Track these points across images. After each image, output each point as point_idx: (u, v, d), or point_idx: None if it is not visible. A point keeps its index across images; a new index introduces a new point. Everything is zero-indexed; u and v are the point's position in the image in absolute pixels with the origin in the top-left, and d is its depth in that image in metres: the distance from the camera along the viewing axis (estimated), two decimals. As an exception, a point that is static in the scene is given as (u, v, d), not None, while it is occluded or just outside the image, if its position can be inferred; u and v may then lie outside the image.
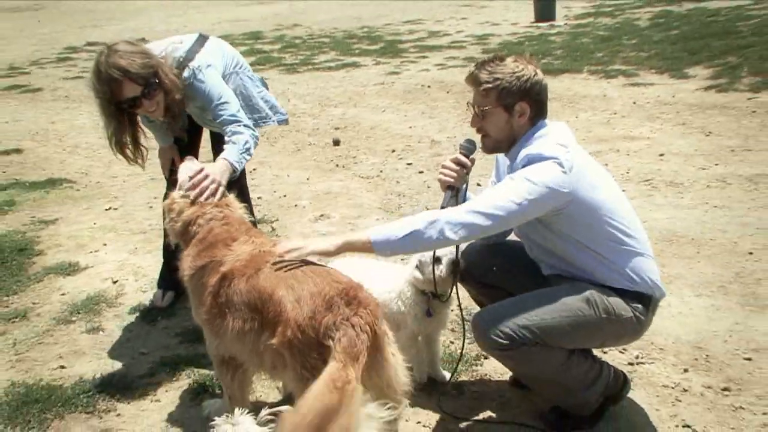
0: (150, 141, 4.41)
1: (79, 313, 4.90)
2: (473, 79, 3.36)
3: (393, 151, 8.54)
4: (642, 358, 4.01)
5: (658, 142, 7.92)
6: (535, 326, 3.17)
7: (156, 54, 3.89)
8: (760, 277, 4.81)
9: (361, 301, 2.81)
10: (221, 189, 3.58)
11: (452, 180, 3.43)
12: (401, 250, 3.16)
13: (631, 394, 3.62)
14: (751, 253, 5.17)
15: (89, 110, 11.82)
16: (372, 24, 22.37)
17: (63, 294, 5.22)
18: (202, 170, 3.58)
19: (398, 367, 2.91)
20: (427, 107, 10.69)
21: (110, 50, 3.71)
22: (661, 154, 7.50)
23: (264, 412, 2.61)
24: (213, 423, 2.64)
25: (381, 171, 7.80)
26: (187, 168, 3.64)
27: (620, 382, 3.50)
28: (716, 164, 7.12)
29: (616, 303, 3.26)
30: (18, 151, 9.61)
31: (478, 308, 3.89)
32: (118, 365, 4.25)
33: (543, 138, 3.27)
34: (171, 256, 4.57)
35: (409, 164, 7.96)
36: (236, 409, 2.64)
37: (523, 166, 3.19)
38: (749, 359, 3.96)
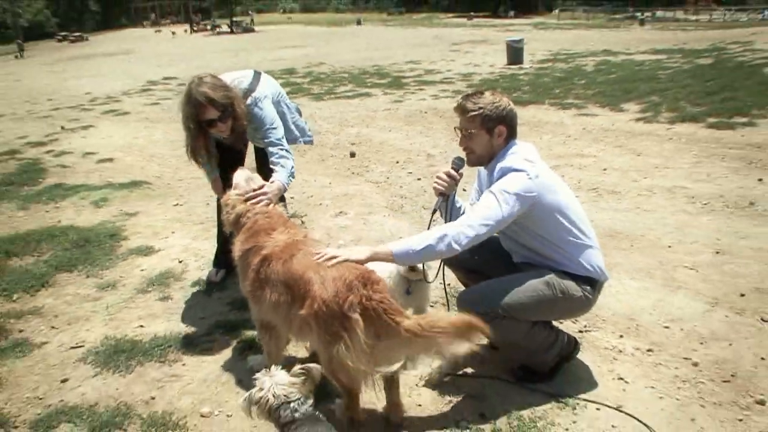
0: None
1: (153, 285, 4.85)
2: (461, 109, 3.33)
3: (397, 162, 8.44)
4: (588, 327, 3.94)
5: (602, 160, 7.83)
6: (506, 304, 3.14)
7: (233, 89, 3.86)
8: (676, 265, 4.74)
9: (375, 281, 2.79)
10: (270, 204, 3.54)
11: (443, 188, 3.41)
12: (417, 260, 3.15)
13: (580, 355, 3.56)
14: (669, 246, 5.10)
15: (163, 129, 11.89)
16: (381, 64, 22.21)
17: (142, 270, 5.16)
18: (262, 186, 3.56)
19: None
20: (424, 128, 10.57)
21: (200, 81, 3.72)
22: (605, 169, 7.41)
23: (296, 368, 2.58)
24: (255, 376, 2.60)
25: (387, 177, 7.71)
26: (241, 174, 3.61)
27: (572, 345, 3.47)
28: (645, 178, 7.04)
29: (570, 285, 3.22)
30: (111, 160, 9.53)
31: (463, 288, 3.85)
32: (183, 326, 4.20)
33: (514, 155, 3.24)
34: (225, 241, 4.52)
35: (409, 173, 7.86)
36: (273, 366, 2.61)
37: (498, 178, 3.17)
38: (667, 327, 3.91)
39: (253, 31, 50.62)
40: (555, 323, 3.49)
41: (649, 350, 3.67)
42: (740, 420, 3.04)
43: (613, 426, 3.03)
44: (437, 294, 4.33)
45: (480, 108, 3.24)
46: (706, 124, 9.34)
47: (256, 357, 3.64)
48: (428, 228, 3.29)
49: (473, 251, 3.53)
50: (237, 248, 3.32)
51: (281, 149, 4.01)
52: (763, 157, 7.57)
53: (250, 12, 59.89)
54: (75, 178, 8.47)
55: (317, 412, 2.51)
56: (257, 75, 4.29)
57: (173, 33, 51.15)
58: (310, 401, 2.51)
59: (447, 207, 3.46)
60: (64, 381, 3.62)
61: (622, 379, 3.41)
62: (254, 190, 3.52)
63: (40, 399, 3.47)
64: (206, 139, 3.92)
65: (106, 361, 3.75)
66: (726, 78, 13.10)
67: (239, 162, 4.40)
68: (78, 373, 3.69)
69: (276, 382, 2.50)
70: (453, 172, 3.41)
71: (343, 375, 2.76)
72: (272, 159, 3.98)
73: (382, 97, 14.18)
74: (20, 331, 4.27)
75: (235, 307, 4.42)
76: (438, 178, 3.42)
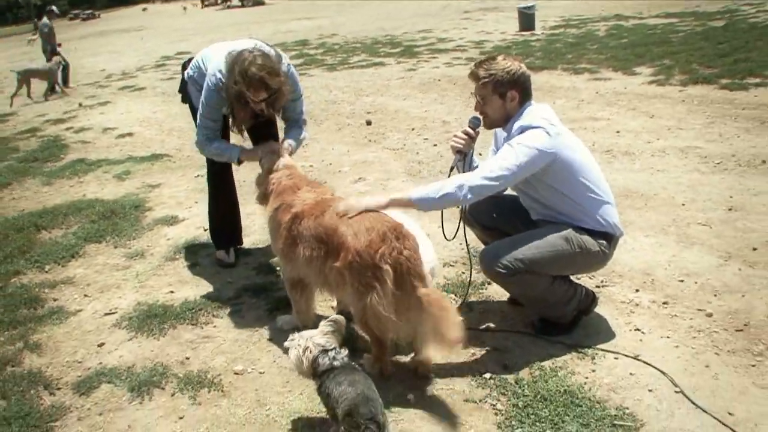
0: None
1: (180, 253, 4.98)
2: (474, 75, 3.40)
3: (413, 129, 8.47)
4: (605, 282, 4.02)
5: (615, 122, 7.83)
6: (527, 259, 3.22)
7: (281, 70, 3.76)
8: (689, 222, 4.80)
9: (406, 235, 2.90)
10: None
11: (461, 146, 3.49)
12: (435, 207, 3.22)
13: (597, 309, 3.64)
14: (683, 205, 5.15)
15: (180, 103, 11.92)
16: (393, 33, 22.04)
17: (168, 239, 5.29)
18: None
19: (430, 282, 3.05)
20: (439, 96, 10.56)
21: (254, 59, 3.62)
22: (618, 131, 7.42)
23: (323, 321, 2.70)
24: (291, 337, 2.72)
25: (404, 144, 7.76)
26: (266, 148, 3.84)
27: (590, 299, 3.54)
28: (657, 139, 7.04)
29: (588, 240, 3.30)
30: (130, 134, 9.65)
31: (482, 246, 3.93)
32: (211, 290, 4.32)
33: (531, 114, 3.30)
34: (225, 214, 4.74)
35: (425, 139, 7.91)
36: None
37: (518, 134, 3.24)
38: (682, 281, 3.98)
39: (263, 3, 50.18)
40: (573, 278, 3.58)
41: (664, 303, 3.76)
42: (753, 366, 3.12)
43: (630, 374, 3.12)
44: (458, 254, 4.43)
45: (491, 74, 3.30)
46: (718, 85, 9.28)
47: (285, 317, 3.76)
48: None
49: (492, 208, 3.65)
50: (267, 210, 3.45)
51: (301, 123, 4.18)
52: (776, 116, 7.55)
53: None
54: (96, 153, 8.62)
55: (353, 362, 2.63)
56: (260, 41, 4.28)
57: (184, 8, 50.87)
58: (346, 351, 2.63)
59: (464, 165, 3.54)
60: (100, 345, 3.76)
61: (639, 330, 3.50)
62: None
63: (79, 362, 3.62)
64: (250, 112, 3.87)
65: (140, 326, 3.89)
66: (739, 39, 12.93)
67: (271, 134, 4.43)
68: (114, 338, 3.83)
69: (311, 335, 2.62)
70: (470, 131, 3.49)
71: (374, 324, 2.88)
72: (294, 128, 4.12)
73: (396, 66, 14.13)
74: (55, 300, 4.42)
75: (261, 271, 4.54)
76: (455, 136, 3.50)
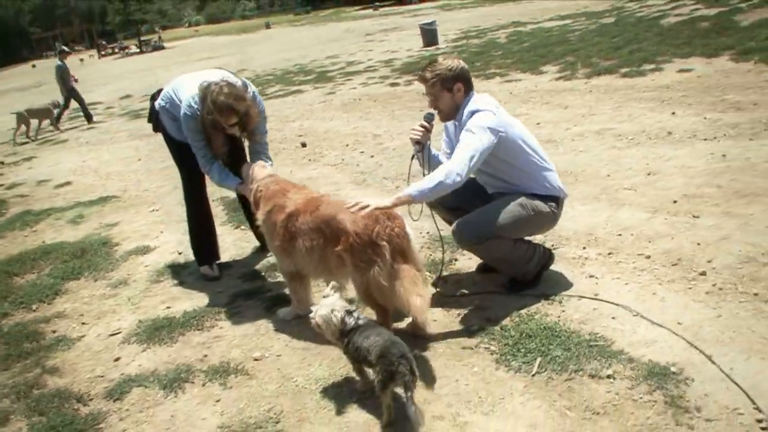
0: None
1: (163, 275, 5.30)
2: (422, 78, 3.97)
3: (347, 145, 9.00)
4: (555, 245, 4.62)
5: (534, 116, 8.56)
6: (492, 227, 3.79)
7: (246, 95, 4.24)
8: (617, 189, 5.52)
9: (396, 216, 3.44)
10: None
11: (419, 137, 3.99)
12: (433, 196, 3.65)
13: (553, 267, 4.23)
14: (608, 176, 5.88)
15: (108, 149, 12.13)
16: (302, 62, 22.59)
17: (146, 266, 5.59)
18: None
19: (417, 253, 3.57)
20: (363, 113, 11.14)
21: (220, 89, 4.08)
22: (538, 123, 8.13)
23: (329, 289, 3.19)
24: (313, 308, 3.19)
25: (342, 159, 8.27)
26: (247, 167, 4.32)
27: (548, 255, 4.15)
28: (575, 126, 7.83)
29: (539, 204, 3.90)
30: (68, 183, 9.78)
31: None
32: (205, 301, 4.69)
33: (476, 101, 3.90)
34: (203, 232, 5.14)
35: (362, 152, 8.44)
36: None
37: (468, 119, 3.80)
38: (620, 235, 4.65)
39: (163, 48, 49.96)
40: (531, 240, 4.17)
41: (609, 254, 4.41)
42: (690, 288, 3.79)
43: (594, 309, 3.73)
44: (424, 240, 4.96)
45: (437, 74, 3.88)
46: (619, 74, 10.29)
47: (285, 309, 4.20)
48: (408, 171, 4.07)
49: (453, 192, 4.20)
50: (259, 215, 3.92)
51: (266, 147, 4.72)
52: (672, 95, 8.51)
53: (157, 29, 58.81)
54: (39, 204, 8.73)
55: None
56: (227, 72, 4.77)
57: (81, 60, 49.96)
58: (363, 312, 3.12)
59: (423, 154, 4.08)
60: (116, 360, 4.08)
61: (593, 276, 4.12)
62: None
63: (101, 377, 3.93)
64: (223, 137, 4.41)
65: (150, 338, 4.23)
66: (629, 33, 14.18)
67: (242, 156, 4.88)
68: (127, 352, 4.16)
69: (332, 301, 3.10)
70: (426, 124, 4.02)
71: (377, 294, 3.36)
72: (264, 151, 4.66)
73: (314, 92, 14.69)
74: (54, 331, 4.68)
75: (246, 279, 4.95)
76: (413, 129, 4.03)
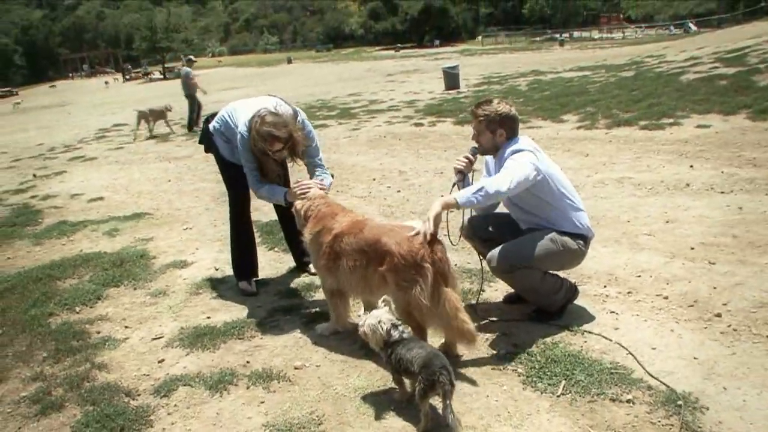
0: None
1: (202, 288, 5.56)
2: (473, 113, 4.31)
3: (374, 179, 9.34)
4: (578, 282, 4.85)
5: (556, 162, 8.85)
6: (525, 257, 4.08)
7: (290, 121, 4.58)
8: (636, 234, 5.80)
9: (438, 241, 3.75)
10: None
11: (461, 167, 4.32)
12: (475, 202, 3.84)
13: (577, 301, 4.49)
14: (628, 221, 6.17)
15: (138, 169, 12.50)
16: (324, 98, 23.15)
17: (184, 279, 5.86)
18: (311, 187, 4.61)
19: (456, 278, 3.90)
20: (388, 150, 11.53)
21: (262, 120, 4.45)
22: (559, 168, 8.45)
23: (380, 301, 3.46)
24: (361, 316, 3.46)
25: (370, 192, 8.60)
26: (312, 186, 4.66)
27: (574, 289, 4.43)
28: (596, 173, 8.15)
29: (568, 240, 4.19)
30: (101, 198, 10.10)
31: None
32: (245, 313, 4.95)
33: (519, 143, 4.20)
34: (246, 249, 5.43)
35: (388, 187, 8.78)
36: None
37: (509, 156, 4.10)
38: (639, 276, 4.92)
39: (186, 76, 50.90)
40: (559, 274, 4.44)
41: (628, 293, 4.67)
42: (705, 328, 4.05)
43: (614, 341, 3.98)
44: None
45: (486, 114, 4.22)
46: (638, 126, 10.64)
47: (323, 324, 4.47)
48: None
49: (488, 223, 4.53)
50: (307, 233, 4.23)
51: (323, 166, 5.05)
52: (690, 149, 8.85)
53: (183, 57, 59.90)
54: (75, 216, 9.05)
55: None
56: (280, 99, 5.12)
57: (106, 83, 51.01)
58: (409, 328, 3.39)
59: (463, 183, 4.37)
60: (161, 361, 4.34)
61: (613, 312, 4.38)
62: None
63: (147, 375, 4.18)
64: (273, 162, 4.71)
65: (193, 343, 4.50)
66: (649, 87, 14.60)
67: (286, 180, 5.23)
68: (171, 355, 4.42)
69: (380, 313, 3.37)
70: (470, 156, 4.37)
71: (417, 313, 3.64)
72: (316, 172, 5.00)
73: (339, 127, 15.13)
74: (98, 332, 4.94)
75: (283, 296, 5.22)
76: (458, 159, 4.37)
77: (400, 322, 3.40)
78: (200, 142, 5.37)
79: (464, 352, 3.96)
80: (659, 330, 4.07)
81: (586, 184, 7.68)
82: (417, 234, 3.69)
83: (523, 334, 4.17)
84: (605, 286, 4.82)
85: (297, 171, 5.33)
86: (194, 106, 17.91)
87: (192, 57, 19.93)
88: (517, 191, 4.02)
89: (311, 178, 4.96)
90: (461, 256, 5.52)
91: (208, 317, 4.96)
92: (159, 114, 18.24)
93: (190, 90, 17.99)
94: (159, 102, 20.38)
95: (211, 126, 5.14)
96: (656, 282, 4.79)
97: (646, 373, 3.59)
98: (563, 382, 3.56)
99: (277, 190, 4.80)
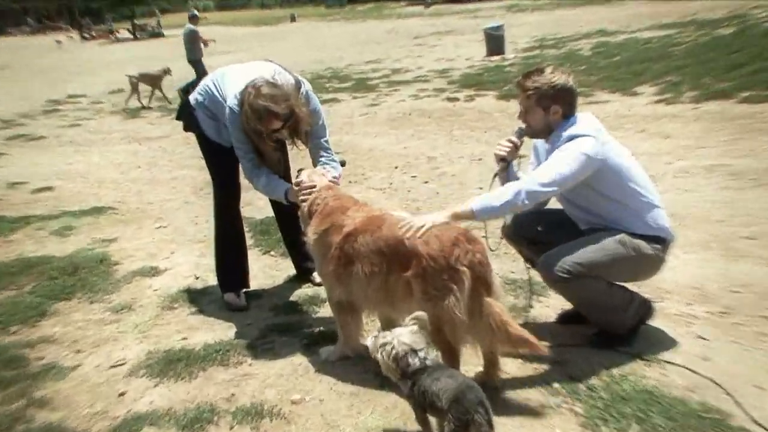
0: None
1: (178, 301, 5.57)
2: (520, 86, 4.27)
3: (396, 167, 9.36)
4: (655, 298, 4.79)
5: (625, 146, 8.78)
6: (586, 262, 4.01)
7: (292, 93, 4.52)
8: (733, 237, 5.71)
9: (477, 240, 3.71)
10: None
11: (504, 153, 4.33)
12: (497, 215, 3.99)
13: (652, 322, 4.42)
14: (722, 221, 6.08)
15: (99, 151, 12.59)
16: (335, 66, 23.26)
17: (155, 290, 5.87)
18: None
19: (500, 286, 3.84)
20: (414, 131, 11.55)
21: (258, 92, 4.39)
22: (631, 155, 8.37)
23: (407, 320, 3.41)
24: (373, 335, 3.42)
25: (390, 183, 8.62)
26: (306, 173, 4.65)
27: (648, 306, 4.36)
28: (678, 160, 8.07)
29: (641, 243, 4.12)
30: (49, 188, 10.13)
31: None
32: (231, 334, 4.94)
33: (579, 124, 4.14)
34: (236, 256, 5.43)
35: (413, 177, 8.79)
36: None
37: (566, 143, 4.05)
38: (737, 292, 4.84)
39: (162, 35, 51.16)
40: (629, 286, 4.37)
41: (722, 313, 4.59)
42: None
43: (704, 376, 3.90)
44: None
45: (537, 87, 4.17)
46: (738, 99, 10.52)
47: (329, 348, 4.45)
48: (489, 191, 4.21)
49: (536, 222, 4.49)
50: (311, 232, 4.20)
51: (330, 150, 5.02)
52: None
53: (157, 12, 60.13)
54: (15, 210, 8.98)
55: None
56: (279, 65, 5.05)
57: (58, 42, 51.13)
58: (435, 353, 3.34)
59: (507, 174, 4.37)
60: (121, 395, 4.32)
61: (702, 338, 4.31)
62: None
63: (103, 413, 4.16)
64: (274, 144, 4.67)
65: (164, 371, 4.48)
66: (755, 47, 14.36)
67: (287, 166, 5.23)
68: (135, 386, 4.40)
69: (398, 334, 3.33)
70: (515, 140, 4.34)
71: (449, 330, 3.59)
72: (323, 158, 4.95)
73: (353, 102, 15.19)
74: (40, 358, 4.89)
75: (280, 312, 5.22)
76: (500, 144, 4.35)
77: (422, 345, 3.34)
78: (178, 118, 5.35)
79: (507, 375, 3.92)
80: (767, 363, 3.99)
81: (666, 174, 7.61)
82: (421, 227, 3.73)
83: (582, 363, 4.12)
84: (690, 304, 4.75)
85: (300, 157, 5.29)
86: (201, 72, 17.80)
87: (196, 11, 20.09)
88: (566, 189, 4.00)
89: (315, 165, 4.95)
90: (503, 263, 5.49)
91: (185, 338, 4.96)
92: (154, 79, 18.27)
93: (195, 54, 18.23)
94: (133, 68, 20.35)
95: (192, 98, 5.10)
96: (761, 300, 4.71)
97: (750, 420, 3.51)
98: (635, 425, 3.50)
99: (276, 184, 4.79)
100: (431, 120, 12.21)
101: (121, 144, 13.34)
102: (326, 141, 5.00)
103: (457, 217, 3.87)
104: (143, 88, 18.31)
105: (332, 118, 13.29)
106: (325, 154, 4.98)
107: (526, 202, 3.89)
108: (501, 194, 3.92)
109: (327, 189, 4.43)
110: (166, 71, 18.34)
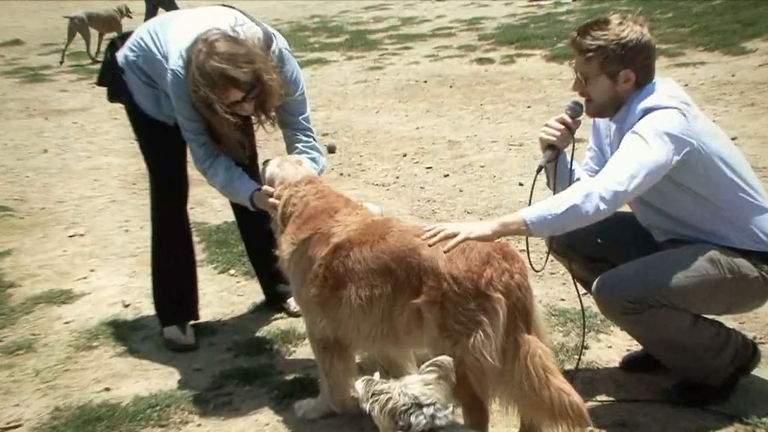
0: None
1: (98, 338, 5.59)
2: (576, 46, 4.20)
3: (404, 155, 9.42)
4: (761, 338, 4.84)
5: (726, 126, 8.65)
6: (661, 287, 4.00)
7: (258, 52, 4.48)
8: None
9: (514, 256, 3.70)
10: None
11: (554, 139, 4.23)
12: (559, 227, 3.91)
13: (757, 372, 4.44)
14: None
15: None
16: (323, 13, 23.30)
17: (67, 322, 5.89)
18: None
19: (542, 318, 3.87)
20: (432, 105, 11.58)
21: (211, 49, 4.33)
22: (734, 138, 8.29)
23: (424, 365, 3.46)
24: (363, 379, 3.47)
25: (397, 177, 8.68)
26: (274, 162, 4.63)
27: (750, 350, 4.35)
28: (802, 145, 8.13)
29: (741, 263, 4.08)
30: None
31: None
32: (173, 382, 4.97)
33: (657, 93, 4.10)
34: (184, 278, 5.48)
35: (428, 168, 8.85)
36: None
37: (639, 119, 4.01)
38: None
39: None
40: (723, 320, 4.42)
41: None
42: None
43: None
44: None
45: (599, 47, 4.10)
46: None
47: (307, 401, 4.47)
48: (531, 191, 4.26)
49: (594, 230, 4.43)
50: (286, 243, 4.23)
51: (311, 131, 5.04)
52: None
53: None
54: None
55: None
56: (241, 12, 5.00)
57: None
58: (451, 407, 3.39)
59: (556, 167, 4.33)
60: (17, 465, 4.40)
61: (830, 395, 4.35)
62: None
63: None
64: (234, 121, 4.56)
65: (74, 435, 4.54)
66: None
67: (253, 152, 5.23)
68: (34, 455, 4.47)
69: (405, 383, 3.38)
70: (567, 119, 4.28)
71: (475, 378, 3.61)
72: (300, 145, 4.94)
73: (348, 65, 15.26)
74: None
75: (242, 352, 5.25)
76: (547, 125, 4.30)
77: (433, 400, 3.38)
78: (101, 83, 5.37)
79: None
80: None
81: (781, 166, 7.64)
82: (451, 236, 3.69)
83: (657, 427, 4.16)
84: (813, 347, 4.80)
85: (273, 141, 5.32)
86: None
87: None
88: (651, 185, 3.95)
89: (290, 152, 4.98)
90: (549, 287, 5.58)
91: (107, 389, 4.98)
92: (107, 23, 18.36)
93: None
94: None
95: (120, 56, 5.06)
96: None
97: None
98: None
99: (240, 183, 4.77)
100: (454, 90, 12.23)
101: (19, 119, 13.31)
102: (305, 119, 5.01)
103: (505, 229, 3.81)
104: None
105: (318, 87, 13.35)
106: (303, 138, 4.98)
107: (601, 209, 3.79)
108: (564, 199, 3.83)
109: (307, 183, 4.42)
110: (124, 12, 18.56)
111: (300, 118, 4.99)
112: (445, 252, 3.64)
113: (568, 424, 3.55)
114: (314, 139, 5.05)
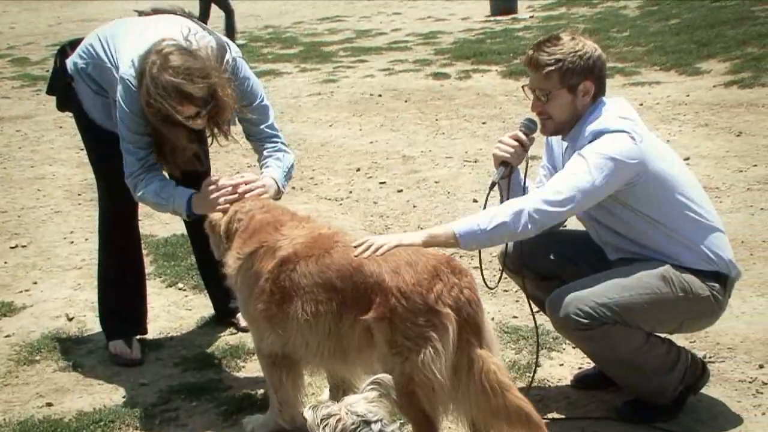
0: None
1: (40, 352, 5.58)
2: (533, 63, 4.26)
3: (358, 169, 9.47)
4: (711, 357, 4.91)
5: (681, 146, 8.81)
6: (614, 304, 4.05)
7: (214, 66, 4.46)
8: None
9: (462, 270, 3.75)
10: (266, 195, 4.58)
11: (508, 156, 4.33)
12: (488, 242, 4.03)
13: (705, 390, 4.51)
14: (813, 254, 6.24)
15: None
16: (276, 23, 23.29)
17: (8, 336, 5.88)
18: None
19: (492, 332, 3.93)
20: (386, 119, 11.65)
21: (165, 61, 4.27)
22: (687, 158, 8.34)
23: (364, 384, 3.49)
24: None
25: (350, 192, 8.72)
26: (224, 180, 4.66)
27: (699, 369, 4.41)
28: (755, 165, 8.22)
29: (693, 281, 4.17)
30: None
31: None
32: (118, 397, 4.98)
33: (606, 114, 4.18)
34: (130, 290, 5.47)
35: (382, 183, 8.91)
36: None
37: (589, 142, 4.10)
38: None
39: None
40: (674, 338, 4.48)
41: (808, 380, 4.71)
42: None
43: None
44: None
45: (558, 60, 4.18)
46: None
47: (255, 417, 4.49)
48: (484, 206, 4.31)
49: (547, 247, 4.56)
50: (232, 258, 4.26)
51: (278, 137, 5.04)
52: None
53: None
54: None
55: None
56: (187, 16, 5.07)
57: None
58: (397, 424, 3.42)
59: (510, 183, 4.41)
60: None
61: (775, 414, 4.42)
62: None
63: None
64: (187, 134, 4.61)
65: (18, 452, 4.52)
66: None
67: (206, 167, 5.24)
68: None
69: (350, 402, 3.41)
70: (522, 136, 4.38)
71: (423, 395, 3.65)
72: (266, 151, 4.98)
73: (301, 77, 15.28)
74: None
75: (189, 367, 5.27)
76: (501, 142, 4.39)
77: (379, 417, 3.41)
78: (50, 92, 5.38)
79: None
80: None
81: (735, 185, 7.74)
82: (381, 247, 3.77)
83: (608, 445, 4.24)
84: (761, 366, 4.85)
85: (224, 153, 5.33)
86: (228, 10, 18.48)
87: None
88: (587, 207, 4.07)
89: (260, 162, 5.02)
90: (502, 303, 5.63)
91: (49, 404, 4.97)
92: None
93: None
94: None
95: (69, 62, 5.07)
96: None
97: None
98: None
99: (175, 189, 4.73)
100: (409, 104, 12.30)
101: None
102: (269, 127, 5.02)
103: (434, 240, 3.91)
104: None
105: (271, 99, 12.78)
106: (269, 146, 5.00)
107: (529, 227, 3.90)
108: (495, 215, 3.92)
109: (253, 199, 4.49)
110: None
111: (263, 127, 5.01)
112: (356, 256, 3.79)
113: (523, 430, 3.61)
114: (281, 142, 5.06)
